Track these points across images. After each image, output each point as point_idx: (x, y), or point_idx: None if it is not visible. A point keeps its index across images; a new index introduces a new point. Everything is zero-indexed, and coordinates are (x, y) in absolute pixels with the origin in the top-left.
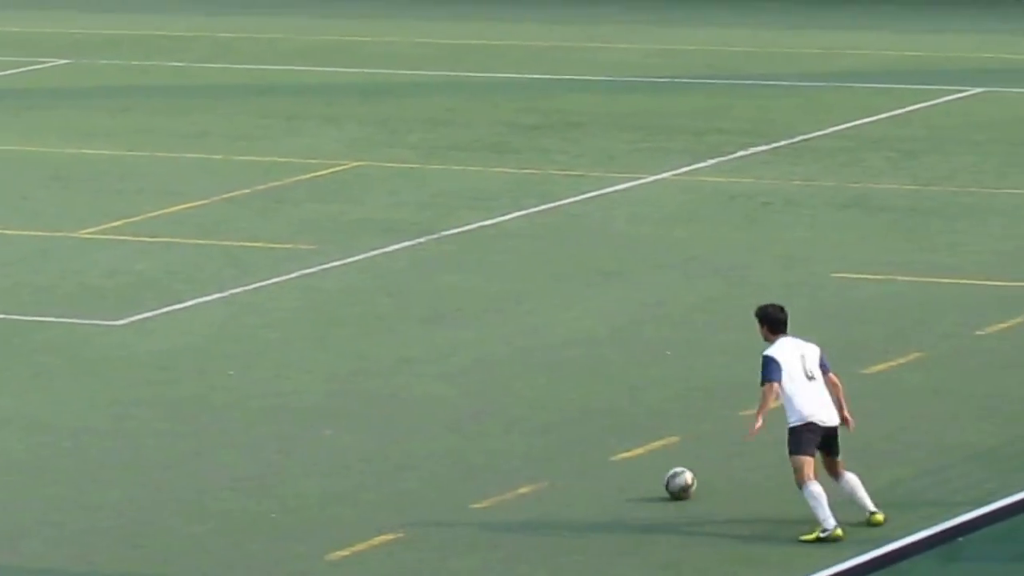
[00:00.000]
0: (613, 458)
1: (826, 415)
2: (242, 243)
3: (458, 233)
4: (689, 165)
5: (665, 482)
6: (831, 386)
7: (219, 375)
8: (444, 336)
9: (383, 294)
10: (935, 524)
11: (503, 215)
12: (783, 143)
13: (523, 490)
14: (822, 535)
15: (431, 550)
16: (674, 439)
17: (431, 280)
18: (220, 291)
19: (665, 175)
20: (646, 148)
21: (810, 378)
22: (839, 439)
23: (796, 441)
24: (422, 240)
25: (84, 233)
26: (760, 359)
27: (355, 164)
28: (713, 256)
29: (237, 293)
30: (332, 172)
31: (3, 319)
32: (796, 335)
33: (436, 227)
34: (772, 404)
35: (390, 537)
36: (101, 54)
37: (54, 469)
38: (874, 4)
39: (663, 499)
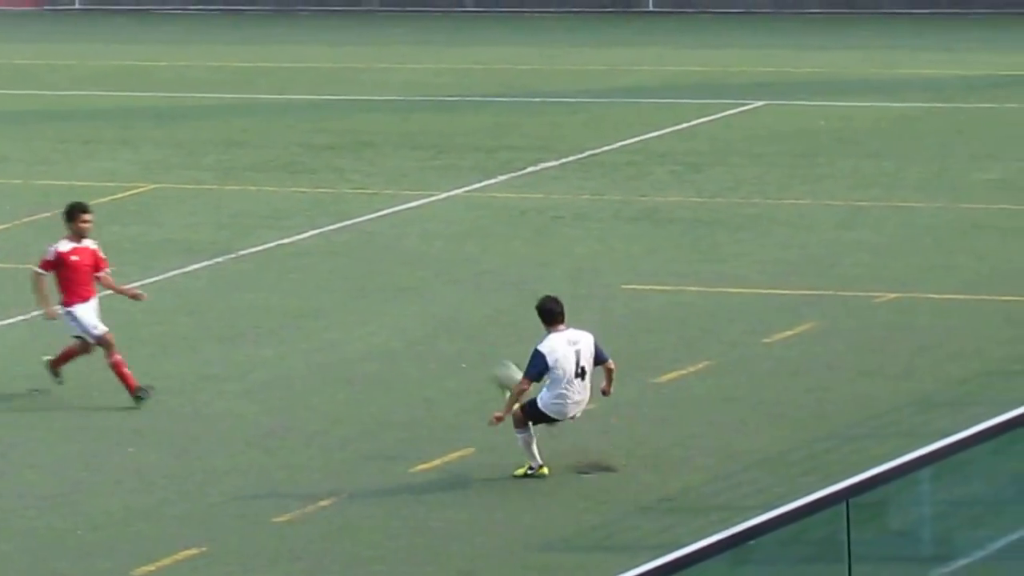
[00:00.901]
0: (411, 470)
1: (576, 412)
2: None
3: (255, 252)
4: (480, 182)
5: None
6: (606, 371)
7: (21, 395)
8: (243, 353)
9: (183, 313)
10: (726, 528)
11: (299, 234)
12: (572, 159)
13: (323, 503)
14: (529, 472)
15: (234, 564)
16: (469, 450)
17: (229, 299)
18: (23, 313)
19: (456, 192)
20: (437, 166)
21: (579, 375)
22: None
23: (535, 415)
24: (220, 260)
25: None
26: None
27: (152, 186)
28: (505, 270)
29: (39, 315)
30: (130, 195)
31: None
32: (573, 326)
33: (233, 246)
34: (518, 400)
35: (194, 552)
36: None
37: None
38: (654, 22)
39: (459, 508)
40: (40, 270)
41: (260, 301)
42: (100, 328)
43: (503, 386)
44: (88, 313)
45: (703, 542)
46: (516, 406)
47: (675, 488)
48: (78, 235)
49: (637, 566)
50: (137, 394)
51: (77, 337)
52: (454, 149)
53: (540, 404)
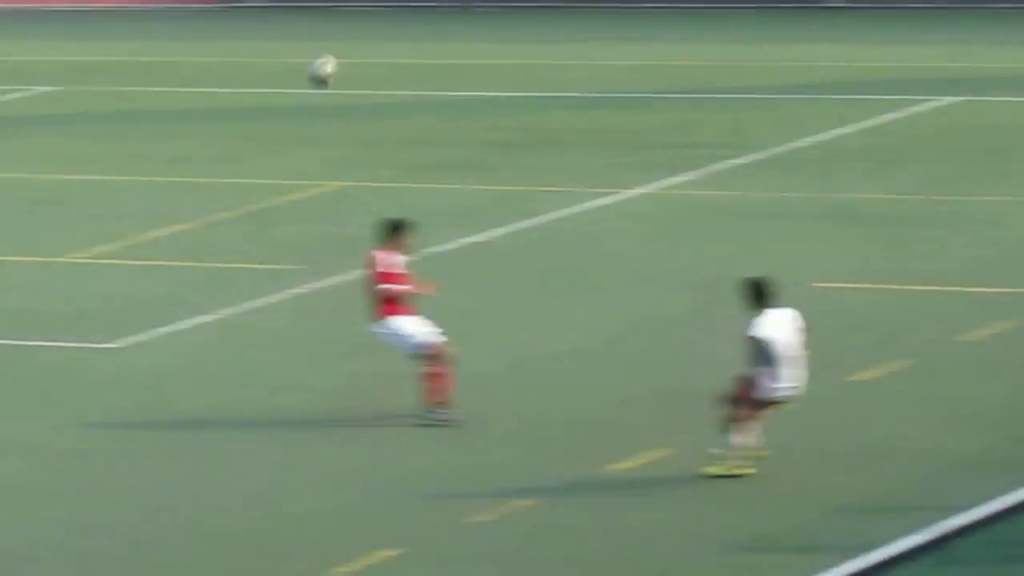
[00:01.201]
0: (607, 470)
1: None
2: (229, 264)
3: (443, 251)
4: (668, 178)
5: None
6: None
7: (214, 394)
8: None
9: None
10: (927, 530)
11: (487, 231)
12: (760, 155)
13: (519, 503)
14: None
15: (431, 565)
16: (666, 450)
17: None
18: (210, 312)
19: (645, 189)
20: (624, 163)
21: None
22: None
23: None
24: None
25: (75, 258)
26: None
27: (336, 184)
28: (696, 268)
29: (227, 314)
30: (314, 193)
31: (0, 344)
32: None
33: (420, 245)
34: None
35: (390, 553)
36: (85, 81)
37: (54, 492)
38: (840, 16)
39: (656, 509)
40: (386, 284)
41: (446, 300)
42: (426, 337)
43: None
44: (410, 324)
45: (904, 543)
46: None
47: (873, 489)
48: (399, 250)
49: (837, 567)
50: (434, 411)
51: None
52: (641, 146)
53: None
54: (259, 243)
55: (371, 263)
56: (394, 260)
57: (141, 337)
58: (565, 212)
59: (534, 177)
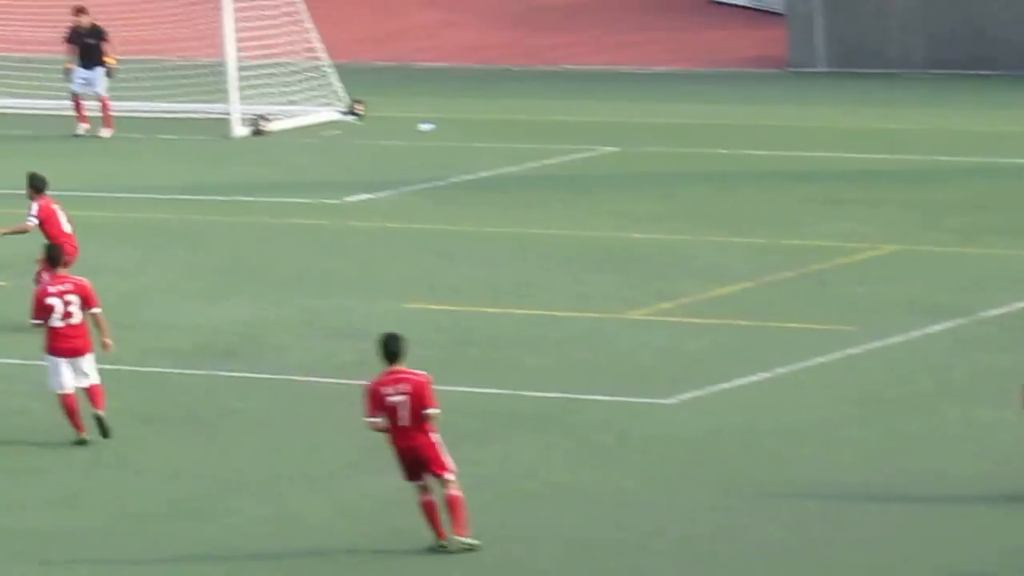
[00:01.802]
0: None
1: None
2: (786, 324)
3: (999, 315)
4: None
5: None
6: None
7: (766, 452)
8: (985, 415)
9: (924, 374)
10: None
11: None
12: None
13: None
14: None
15: None
16: None
17: (972, 360)
18: (765, 370)
19: None
20: None
21: None
22: None
23: None
24: (962, 321)
25: (634, 314)
26: None
27: (893, 247)
28: None
29: (782, 373)
30: (869, 255)
31: (556, 397)
32: None
33: (976, 308)
34: None
35: None
36: (647, 142)
37: (606, 541)
38: None
39: None
40: None
41: (1003, 363)
42: None
43: None
44: None
45: None
46: None
47: None
48: None
49: None
50: None
51: None
52: None
53: None
54: (814, 303)
55: None
56: None
57: (694, 393)
58: None
59: None
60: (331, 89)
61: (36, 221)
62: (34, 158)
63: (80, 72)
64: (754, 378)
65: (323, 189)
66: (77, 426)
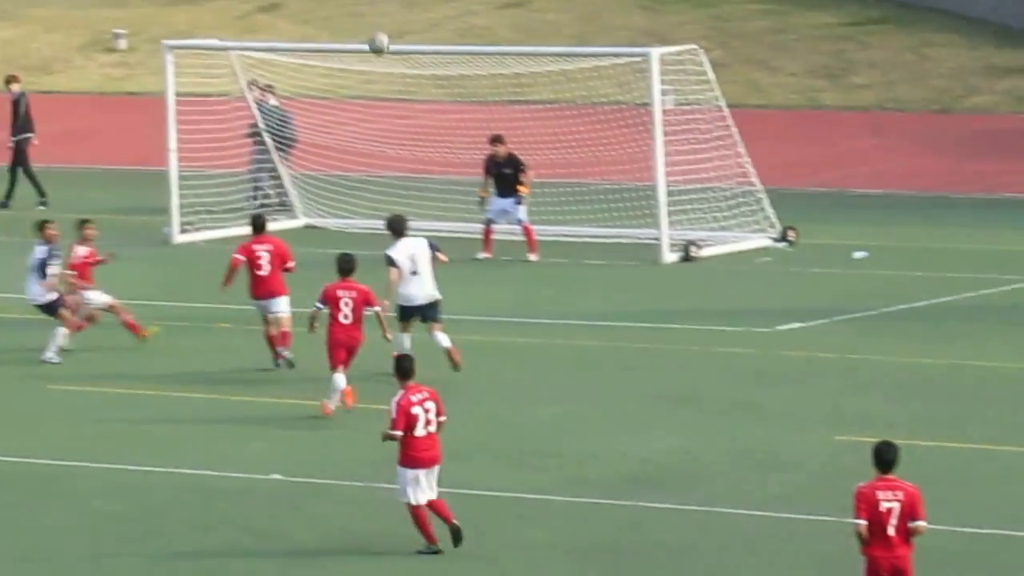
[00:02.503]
0: None
1: None
2: None
3: None
4: None
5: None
6: None
7: None
8: None
9: None
10: None
11: None
12: None
13: None
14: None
15: None
16: None
17: None
18: None
19: None
20: None
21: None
22: None
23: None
24: None
25: None
26: None
27: None
28: None
29: None
30: None
31: (990, 533)
32: None
33: None
34: None
35: None
36: None
37: None
38: None
39: None
40: None
41: None
42: None
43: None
44: None
45: None
46: None
47: None
48: None
49: None
50: None
51: None
52: None
53: None
54: None
55: None
56: None
57: None
58: None
59: None
60: (763, 215)
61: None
62: (459, 284)
63: (497, 202)
64: None
65: (753, 317)
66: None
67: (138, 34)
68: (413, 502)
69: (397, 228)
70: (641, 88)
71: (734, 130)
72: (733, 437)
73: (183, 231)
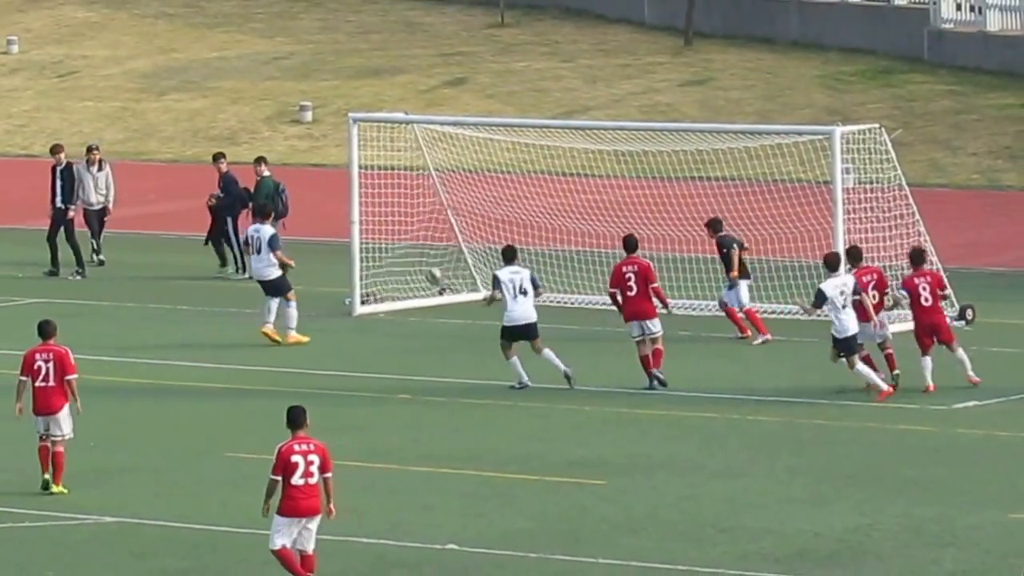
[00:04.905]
0: None
1: None
2: None
3: None
4: None
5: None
6: None
7: None
8: None
9: None
10: None
11: None
12: None
13: None
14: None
15: None
16: None
17: None
18: None
19: None
20: None
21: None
22: None
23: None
24: None
25: None
26: None
27: None
28: None
29: None
30: None
31: None
32: None
33: None
34: None
35: None
36: None
37: None
38: None
39: None
40: None
41: None
42: None
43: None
44: None
45: None
46: None
47: None
48: None
49: None
50: None
51: None
52: None
53: None
54: None
55: None
56: None
57: None
58: None
59: None
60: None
61: None
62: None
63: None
64: None
65: (930, 395)
66: None
67: (324, 107)
68: (272, 547)
69: (507, 255)
70: (823, 166)
71: (915, 208)
72: (908, 514)
73: (363, 302)
